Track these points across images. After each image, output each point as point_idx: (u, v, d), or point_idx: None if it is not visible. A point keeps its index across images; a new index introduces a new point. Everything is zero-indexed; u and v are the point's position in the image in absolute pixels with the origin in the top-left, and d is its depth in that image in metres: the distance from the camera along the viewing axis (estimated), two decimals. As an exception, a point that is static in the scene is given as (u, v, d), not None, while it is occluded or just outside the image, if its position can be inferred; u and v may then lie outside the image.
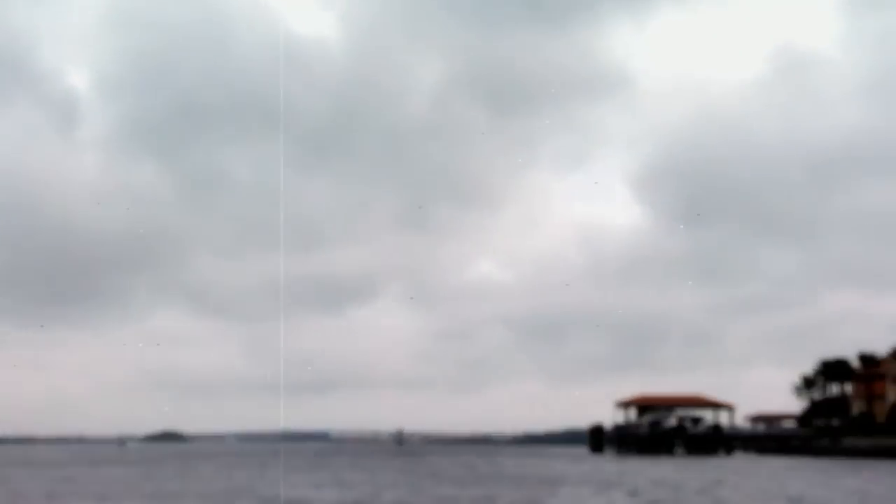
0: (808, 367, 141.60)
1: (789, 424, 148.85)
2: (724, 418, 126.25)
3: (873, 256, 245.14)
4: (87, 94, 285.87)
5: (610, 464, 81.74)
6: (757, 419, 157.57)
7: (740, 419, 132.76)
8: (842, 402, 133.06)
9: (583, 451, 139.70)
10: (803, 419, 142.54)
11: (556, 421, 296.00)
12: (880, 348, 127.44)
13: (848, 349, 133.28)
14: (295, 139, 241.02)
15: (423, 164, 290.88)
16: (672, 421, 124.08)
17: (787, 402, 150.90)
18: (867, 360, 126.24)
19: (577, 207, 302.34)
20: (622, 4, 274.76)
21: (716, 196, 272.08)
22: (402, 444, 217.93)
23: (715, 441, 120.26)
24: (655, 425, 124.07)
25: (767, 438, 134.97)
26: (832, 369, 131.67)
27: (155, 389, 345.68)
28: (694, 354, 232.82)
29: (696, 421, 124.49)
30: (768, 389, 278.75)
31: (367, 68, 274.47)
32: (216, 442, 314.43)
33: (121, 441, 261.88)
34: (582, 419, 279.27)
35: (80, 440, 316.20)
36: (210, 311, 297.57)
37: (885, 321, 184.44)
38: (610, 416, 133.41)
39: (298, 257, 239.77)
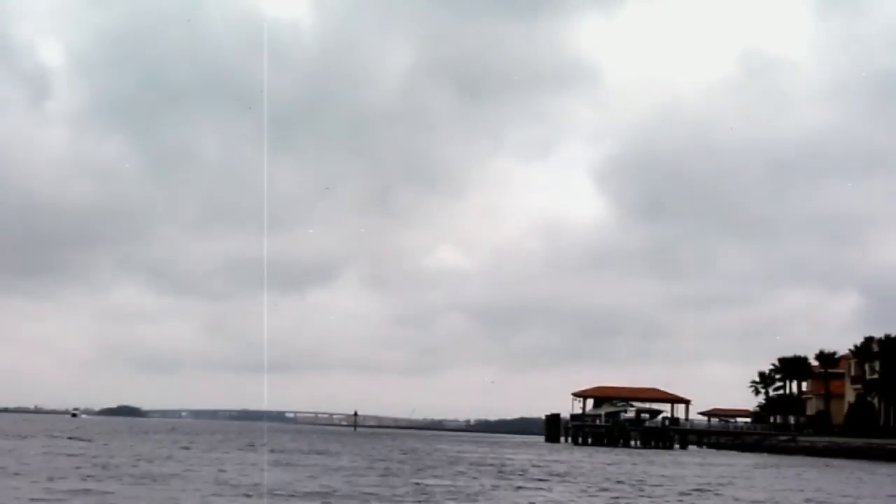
0: (761, 364, 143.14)
1: (742, 420, 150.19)
2: (679, 412, 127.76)
3: (831, 256, 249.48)
4: (59, 69, 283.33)
5: (580, 455, 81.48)
6: (710, 414, 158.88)
7: (693, 413, 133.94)
8: (797, 399, 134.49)
9: (538, 440, 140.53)
10: (757, 416, 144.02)
11: (509, 409, 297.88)
12: (835, 347, 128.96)
13: (801, 348, 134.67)
14: (263, 120, 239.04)
15: (388, 148, 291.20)
16: (630, 413, 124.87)
17: (739, 399, 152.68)
18: (825, 358, 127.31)
19: (539, 198, 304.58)
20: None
21: (677, 192, 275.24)
22: (357, 428, 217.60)
23: (671, 435, 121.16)
24: (613, 416, 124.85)
25: (723, 433, 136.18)
26: (790, 367, 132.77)
27: (113, 363, 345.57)
28: (650, 348, 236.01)
29: (654, 414, 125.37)
30: (721, 385, 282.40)
31: (338, 52, 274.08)
32: (171, 418, 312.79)
33: (74, 413, 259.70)
34: (534, 409, 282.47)
35: (37, 411, 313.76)
36: (171, 288, 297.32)
37: (839, 320, 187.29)
38: (562, 406, 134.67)
39: (261, 237, 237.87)
